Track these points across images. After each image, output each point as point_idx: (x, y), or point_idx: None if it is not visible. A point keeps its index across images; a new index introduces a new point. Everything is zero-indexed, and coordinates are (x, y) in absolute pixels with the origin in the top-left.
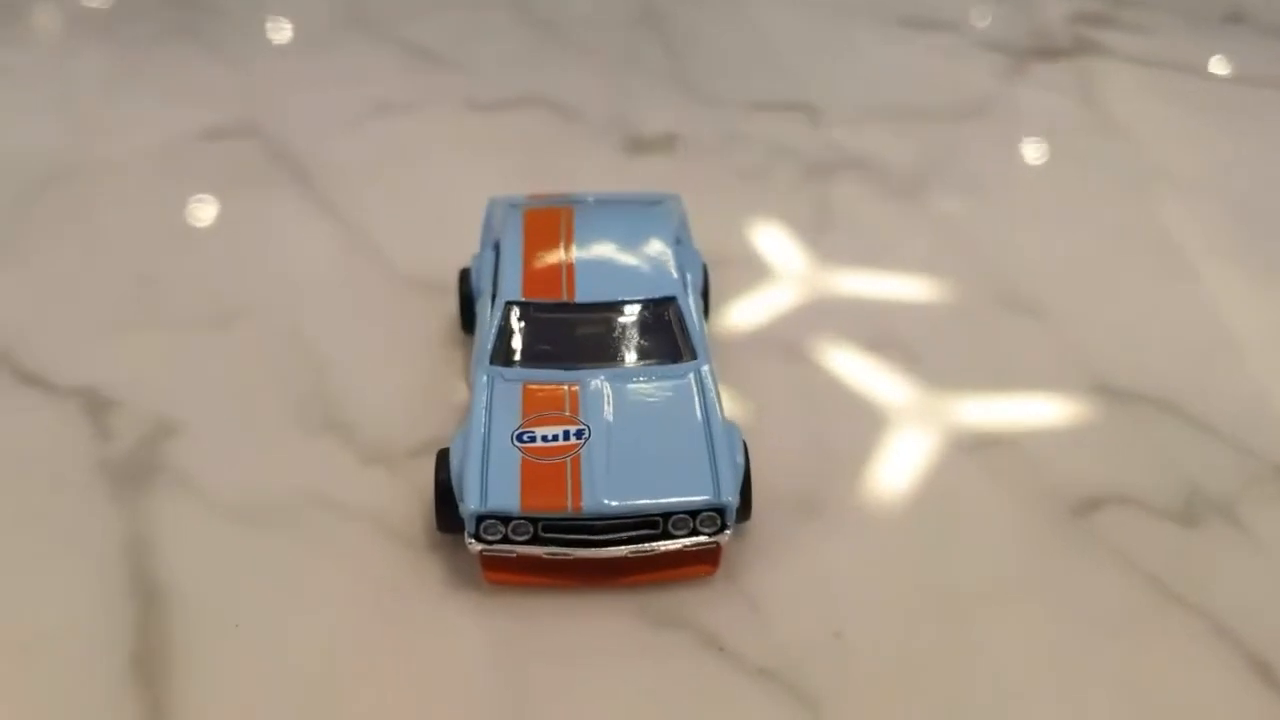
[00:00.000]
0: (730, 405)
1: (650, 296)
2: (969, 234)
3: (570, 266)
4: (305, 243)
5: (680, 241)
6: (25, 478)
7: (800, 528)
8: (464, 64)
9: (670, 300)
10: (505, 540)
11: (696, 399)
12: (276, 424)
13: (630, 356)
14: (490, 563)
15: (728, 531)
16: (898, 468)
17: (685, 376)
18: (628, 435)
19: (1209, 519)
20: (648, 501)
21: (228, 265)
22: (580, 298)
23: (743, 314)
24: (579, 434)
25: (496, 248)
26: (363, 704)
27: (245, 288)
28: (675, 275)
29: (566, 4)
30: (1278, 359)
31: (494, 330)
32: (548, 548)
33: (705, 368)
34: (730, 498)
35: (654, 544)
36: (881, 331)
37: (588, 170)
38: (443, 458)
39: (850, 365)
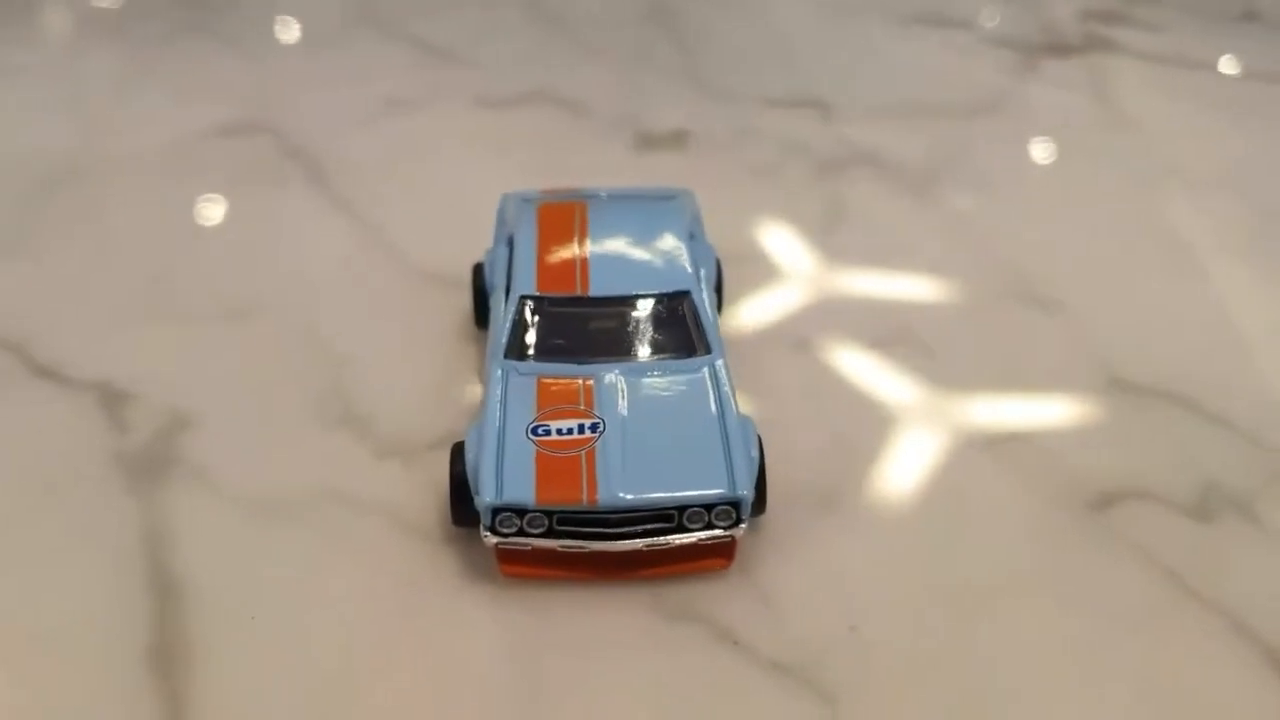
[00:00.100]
0: (743, 400)
1: (664, 291)
2: (982, 230)
3: (584, 261)
4: (319, 239)
5: (694, 236)
6: (42, 470)
7: (815, 522)
8: (475, 61)
9: (684, 294)
10: (520, 533)
11: (711, 393)
12: (292, 418)
13: (644, 350)
14: (505, 555)
15: (743, 525)
16: (912, 463)
17: (699, 370)
18: (642, 429)
19: (1226, 514)
20: (663, 494)
21: (241, 261)
22: (594, 292)
23: (755, 310)
24: (594, 427)
25: (510, 242)
26: (379, 696)
27: (258, 283)
28: (689, 269)
29: (577, 1)
30: None
31: (508, 324)
32: (563, 540)
33: (719, 362)
34: (745, 491)
35: (669, 537)
36: (894, 327)
37: (599, 167)
38: (458, 451)
39: (863, 361)
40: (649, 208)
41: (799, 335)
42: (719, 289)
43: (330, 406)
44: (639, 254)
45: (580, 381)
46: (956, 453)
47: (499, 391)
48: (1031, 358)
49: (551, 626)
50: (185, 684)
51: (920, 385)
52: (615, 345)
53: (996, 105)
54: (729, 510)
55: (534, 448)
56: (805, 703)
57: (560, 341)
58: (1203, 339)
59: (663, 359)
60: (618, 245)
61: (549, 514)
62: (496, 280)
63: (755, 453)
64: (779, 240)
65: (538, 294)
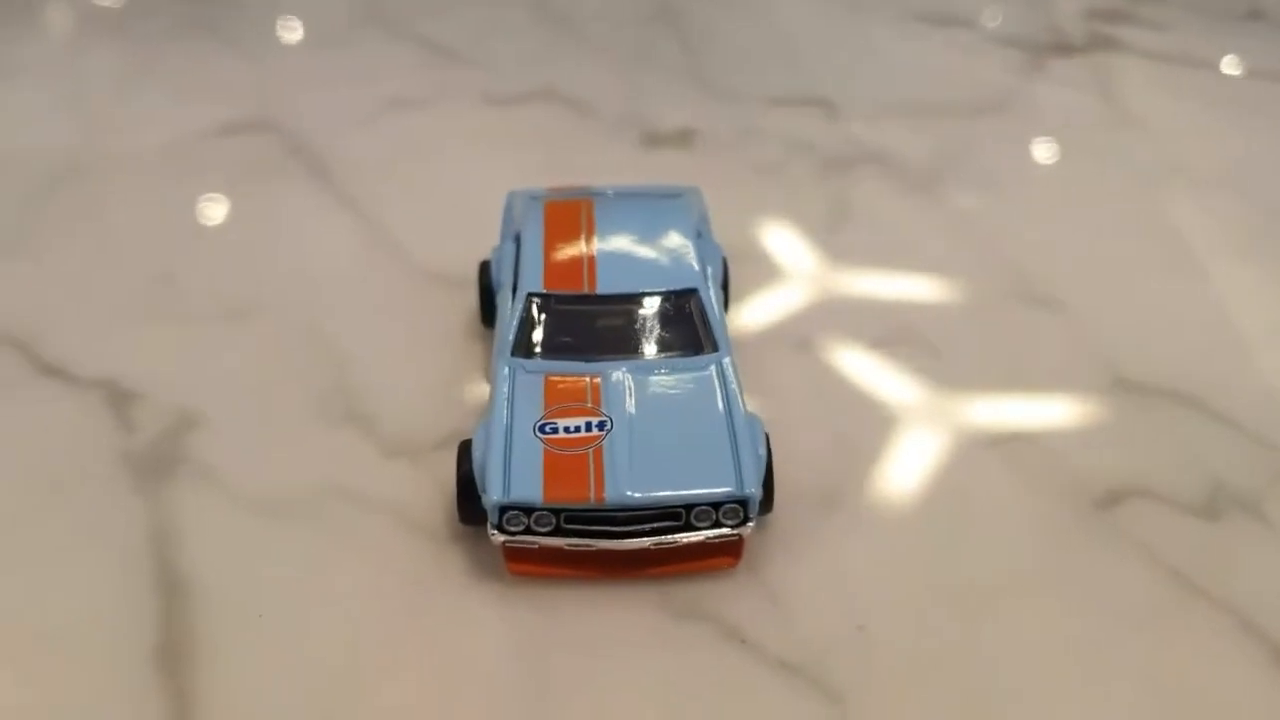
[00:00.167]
0: (748, 399)
1: (671, 288)
2: (986, 229)
3: (591, 258)
4: (324, 237)
5: (700, 234)
6: (49, 469)
7: (821, 521)
8: (480, 60)
9: (692, 292)
10: (528, 531)
11: (718, 391)
12: (298, 417)
13: (652, 348)
14: (513, 554)
15: (750, 524)
16: (917, 462)
17: (707, 368)
18: (650, 427)
19: (1232, 513)
20: (670, 493)
21: (246, 260)
22: (601, 289)
23: (760, 309)
24: (601, 425)
25: (517, 240)
26: (386, 694)
27: (264, 282)
28: (696, 267)
29: (582, 0)
30: None
31: (515, 322)
32: (570, 539)
33: (727, 359)
34: (753, 489)
35: (676, 535)
36: (899, 326)
37: (604, 165)
38: (465, 449)
39: (867, 360)
40: (656, 205)
41: (803, 334)
42: (725, 287)
43: (336, 405)
44: (646, 251)
45: (587, 379)
46: (961, 452)
47: (506, 389)
48: (1036, 357)
49: (559, 625)
50: (192, 682)
51: (924, 384)
52: (622, 343)
53: (1001, 104)
54: (737, 509)
55: (541, 446)
56: (813, 702)
57: (567, 339)
58: (1207, 338)
59: (670, 357)
60: (625, 243)
61: (556, 512)
62: (503, 278)
63: (763, 451)
64: (783, 239)
65: (545, 291)
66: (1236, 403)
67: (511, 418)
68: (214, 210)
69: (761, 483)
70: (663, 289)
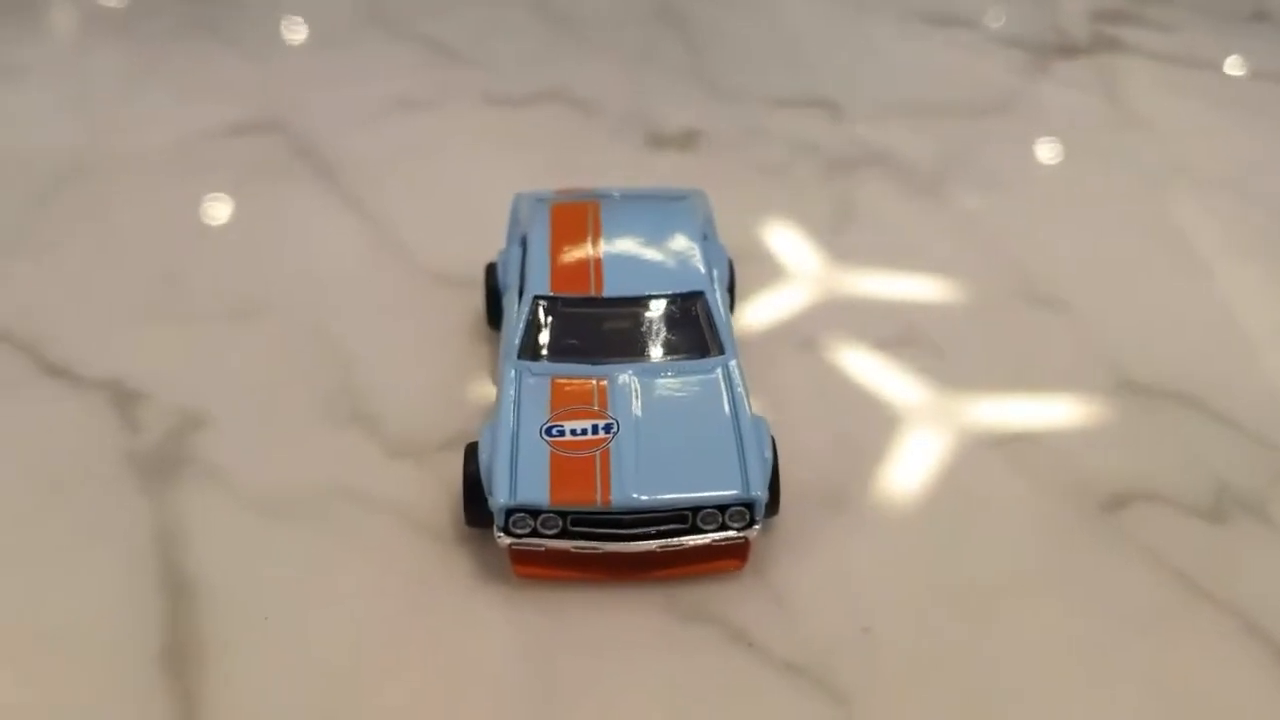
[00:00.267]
0: (754, 400)
1: (678, 291)
2: (991, 230)
3: (598, 261)
4: (329, 238)
5: (706, 237)
6: (54, 469)
7: (826, 523)
8: (484, 60)
9: (698, 295)
10: (534, 534)
11: (724, 393)
12: (303, 418)
13: (658, 351)
14: (519, 556)
15: (756, 526)
16: (923, 464)
17: (713, 371)
18: (656, 429)
19: (1237, 515)
20: (677, 496)
21: (251, 260)
22: (608, 292)
23: (765, 309)
24: (607, 428)
25: (523, 242)
26: (391, 696)
27: (269, 283)
28: (703, 270)
29: (585, 0)
30: None
31: (522, 324)
32: (576, 541)
33: (733, 362)
34: (759, 492)
35: (682, 538)
36: (903, 327)
37: (609, 166)
38: (471, 451)
39: (873, 361)
40: (662, 208)
41: (808, 334)
42: (731, 289)
43: (342, 406)
44: (652, 254)
45: (594, 382)
46: (966, 453)
47: (512, 392)
48: (1040, 358)
49: (565, 627)
50: (198, 683)
51: (929, 385)
52: (629, 346)
53: (1006, 105)
54: (743, 511)
55: (548, 448)
56: (818, 703)
57: (574, 342)
58: (1212, 339)
59: (676, 360)
60: (631, 245)
61: (563, 515)
62: (509, 280)
63: (769, 454)
64: (788, 239)
65: (551, 294)
66: (1241, 404)
67: (518, 420)
68: (219, 210)
69: (767, 485)
70: (669, 292)
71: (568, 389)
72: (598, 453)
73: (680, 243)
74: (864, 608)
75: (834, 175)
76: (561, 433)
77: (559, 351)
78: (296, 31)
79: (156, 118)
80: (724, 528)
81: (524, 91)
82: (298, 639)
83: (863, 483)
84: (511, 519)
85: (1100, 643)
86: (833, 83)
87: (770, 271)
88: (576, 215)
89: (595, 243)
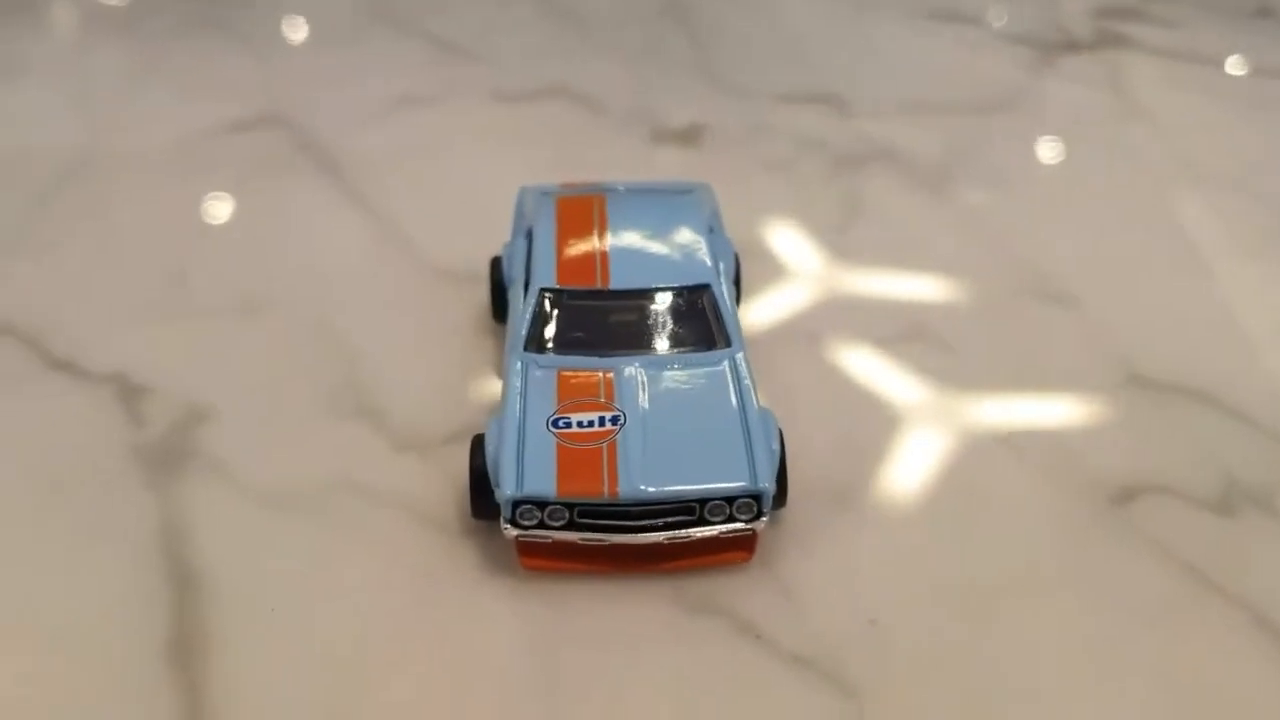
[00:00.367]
0: (761, 395)
1: (685, 284)
2: (998, 226)
3: (604, 254)
4: (334, 233)
5: (712, 229)
6: (59, 463)
7: (834, 517)
8: (488, 56)
9: (705, 287)
10: (541, 525)
11: (731, 386)
12: (308, 412)
13: (664, 344)
14: (526, 548)
15: (764, 518)
16: (930, 458)
17: (720, 364)
18: (663, 422)
19: (1246, 509)
20: (684, 487)
21: (256, 255)
22: (615, 284)
23: (771, 305)
24: (614, 420)
25: (529, 235)
26: (396, 689)
27: (274, 278)
28: (709, 263)
29: None
30: None
31: (528, 317)
32: (583, 533)
33: (740, 355)
34: (767, 484)
35: (690, 530)
36: (910, 323)
37: (614, 161)
38: (477, 444)
39: (879, 357)
40: (668, 201)
41: (814, 331)
42: (738, 282)
43: (347, 400)
44: (659, 247)
45: (600, 374)
46: (975, 448)
47: (519, 384)
48: (1048, 354)
49: (572, 619)
50: (203, 675)
51: (937, 381)
52: (635, 338)
53: (1012, 101)
54: (750, 503)
55: (554, 440)
56: (827, 695)
57: (580, 334)
58: (1219, 333)
59: (683, 352)
60: (637, 238)
61: (570, 506)
62: (515, 273)
63: (776, 446)
64: (794, 236)
65: (557, 286)
66: (1250, 398)
67: (524, 412)
68: (223, 206)
69: (775, 477)
70: (675, 284)
71: (574, 381)
72: (605, 444)
73: (686, 235)
74: (872, 601)
75: (840, 171)
76: (568, 425)
77: (565, 344)
78: (300, 28)
79: (160, 115)
80: (731, 520)
81: (528, 87)
82: (303, 632)
83: (870, 477)
84: (518, 510)
85: (1109, 636)
86: (838, 79)
87: (776, 268)
88: (582, 208)
89: (601, 235)
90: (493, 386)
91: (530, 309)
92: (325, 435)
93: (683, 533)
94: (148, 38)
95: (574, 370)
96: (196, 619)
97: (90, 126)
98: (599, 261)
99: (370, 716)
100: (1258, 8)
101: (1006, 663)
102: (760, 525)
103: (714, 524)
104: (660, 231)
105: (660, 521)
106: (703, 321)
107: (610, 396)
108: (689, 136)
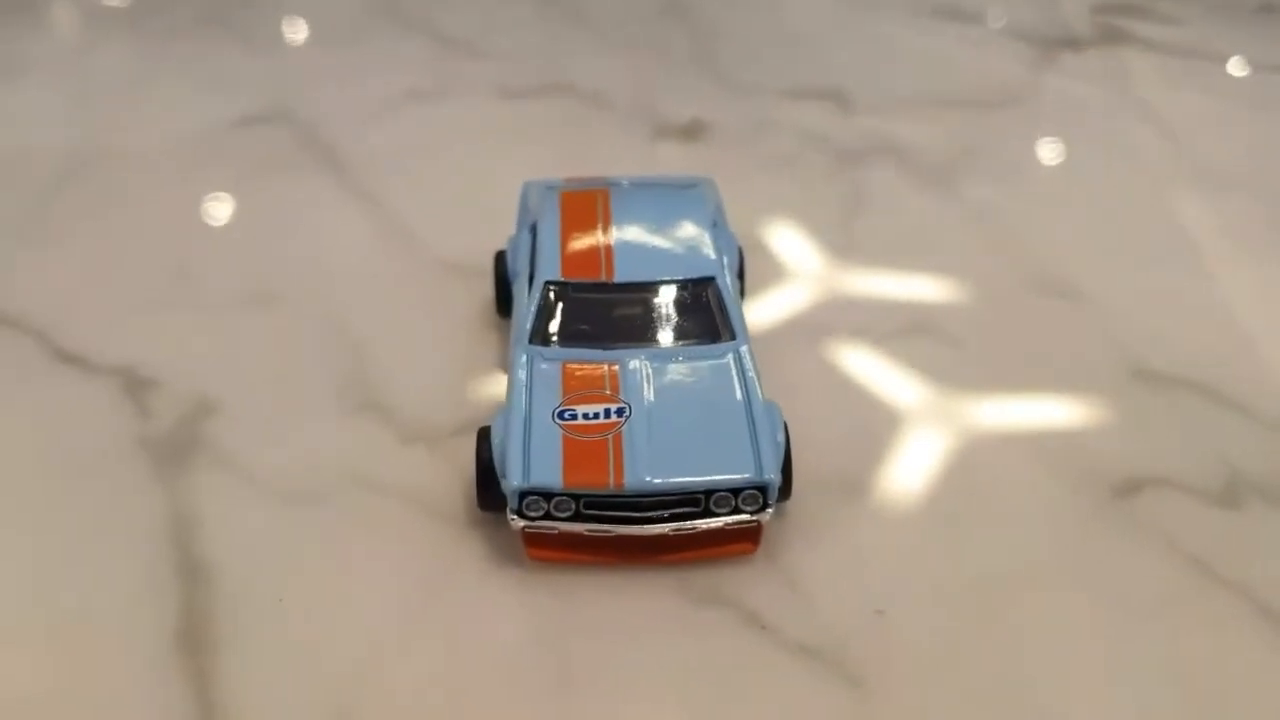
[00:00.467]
0: (766, 389)
1: (689, 277)
2: (1001, 222)
3: (608, 247)
4: (340, 228)
5: (716, 224)
6: (67, 456)
7: (839, 509)
8: (494, 53)
9: (709, 280)
10: (547, 517)
11: (736, 378)
12: (315, 404)
13: (669, 336)
14: (532, 539)
15: (769, 510)
16: (935, 451)
17: (724, 356)
18: (668, 414)
19: (1250, 501)
20: (690, 479)
21: (262, 250)
22: (619, 278)
23: (776, 300)
24: (620, 412)
25: (533, 229)
26: (404, 679)
27: (280, 272)
28: (713, 256)
29: None
30: None
31: (533, 310)
32: (590, 524)
33: (744, 348)
34: (772, 475)
35: (696, 521)
36: (914, 318)
37: (617, 157)
38: (484, 436)
39: (884, 351)
40: (672, 195)
41: (820, 325)
42: (742, 276)
43: (353, 393)
44: (663, 240)
45: (605, 367)
46: (978, 440)
47: (524, 377)
48: (1053, 348)
49: (578, 610)
50: (212, 665)
51: (940, 374)
52: (640, 331)
53: (1014, 98)
54: (756, 495)
55: (560, 432)
56: (832, 685)
57: (585, 327)
58: (1223, 327)
59: (688, 345)
60: (642, 231)
61: (576, 497)
62: (519, 267)
63: (781, 438)
64: (798, 231)
65: (562, 280)
66: (1253, 391)
67: (530, 405)
68: (228, 202)
69: (780, 469)
70: (680, 277)
71: (579, 374)
72: (610, 436)
73: (690, 229)
74: (877, 592)
75: (843, 167)
76: (574, 416)
77: (570, 337)
78: (305, 25)
79: (163, 112)
80: (737, 511)
81: (532, 84)
82: (310, 622)
83: (875, 469)
84: (525, 502)
85: (1113, 627)
86: (841, 75)
87: (779, 263)
88: (586, 202)
89: (605, 229)
90: (498, 380)
91: (535, 302)
92: (332, 428)
93: (688, 524)
94: (150, 36)
95: (579, 363)
96: (205, 610)
97: (94, 125)
98: (603, 255)
99: (377, 706)
100: (1260, 4)
101: (1011, 653)
102: (766, 517)
103: (719, 515)
104: (664, 225)
105: (666, 513)
106: (707, 314)
107: (615, 389)
108: (692, 132)
